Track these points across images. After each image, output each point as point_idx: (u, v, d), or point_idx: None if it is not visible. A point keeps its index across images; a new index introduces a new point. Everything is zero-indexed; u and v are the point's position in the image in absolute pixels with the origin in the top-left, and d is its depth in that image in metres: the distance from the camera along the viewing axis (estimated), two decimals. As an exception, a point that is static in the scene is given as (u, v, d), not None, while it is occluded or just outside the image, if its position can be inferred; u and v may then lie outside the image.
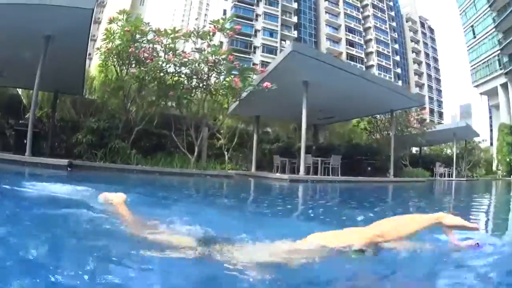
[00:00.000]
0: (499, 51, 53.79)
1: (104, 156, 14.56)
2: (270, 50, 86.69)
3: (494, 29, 54.51)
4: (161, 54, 16.00)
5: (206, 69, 15.94)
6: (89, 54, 23.27)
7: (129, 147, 15.59)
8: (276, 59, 17.83)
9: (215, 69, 16.02)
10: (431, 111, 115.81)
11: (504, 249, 3.26)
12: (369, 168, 26.65)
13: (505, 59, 52.55)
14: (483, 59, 58.39)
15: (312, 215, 6.43)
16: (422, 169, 33.34)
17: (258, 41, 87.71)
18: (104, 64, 17.39)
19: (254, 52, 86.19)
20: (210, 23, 16.10)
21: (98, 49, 17.25)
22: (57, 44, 13.14)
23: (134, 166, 14.34)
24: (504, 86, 53.56)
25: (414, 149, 46.50)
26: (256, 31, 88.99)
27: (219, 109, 18.89)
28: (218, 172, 16.73)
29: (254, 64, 76.86)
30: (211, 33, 15.91)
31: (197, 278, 2.27)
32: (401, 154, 33.41)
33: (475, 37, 60.28)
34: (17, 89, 22.18)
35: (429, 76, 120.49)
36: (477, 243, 2.67)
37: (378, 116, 29.35)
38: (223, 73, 16.40)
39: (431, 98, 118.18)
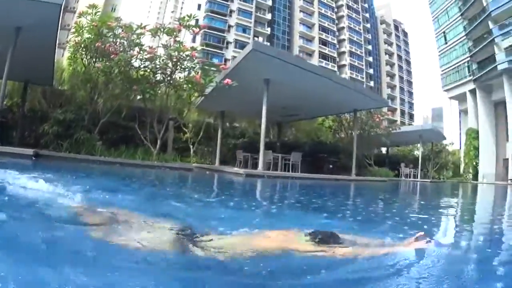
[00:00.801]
0: (468, 58, 55.09)
1: (69, 146, 14.98)
2: (242, 45, 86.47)
3: (464, 37, 55.72)
4: (127, 49, 16.39)
5: (170, 65, 16.51)
6: (63, 44, 23.57)
7: (96, 138, 16.09)
8: (237, 57, 18.35)
9: (179, 65, 16.59)
10: (402, 113, 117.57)
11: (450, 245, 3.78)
12: (330, 166, 27.19)
13: (474, 66, 53.75)
14: (453, 65, 59.61)
15: (230, 206, 6.59)
16: (387, 169, 34.23)
17: (231, 36, 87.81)
18: (73, 57, 17.83)
19: (227, 48, 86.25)
20: (175, 21, 16.63)
21: (67, 42, 17.72)
22: (27, 35, 13.47)
23: (97, 157, 14.68)
24: (473, 92, 54.89)
25: (384, 150, 47.30)
26: (229, 26, 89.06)
27: (184, 103, 19.40)
28: (179, 165, 17.18)
29: (226, 59, 77.37)
30: (176, 30, 16.52)
31: (181, 268, 2.65)
32: (365, 154, 34.34)
33: (446, 43, 61.24)
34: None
35: (401, 78, 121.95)
36: (428, 240, 3.12)
37: (345, 115, 30.00)
38: (187, 69, 17.01)
39: (402, 100, 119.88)
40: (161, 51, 16.82)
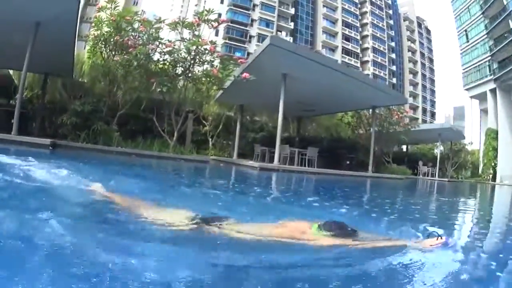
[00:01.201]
0: (489, 57, 54.30)
1: (87, 137, 15.30)
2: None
3: (486, 36, 54.86)
4: (146, 42, 16.68)
5: (189, 58, 16.76)
6: (85, 37, 23.96)
7: (114, 129, 16.40)
8: (256, 51, 18.54)
9: (198, 59, 16.83)
10: (424, 111, 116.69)
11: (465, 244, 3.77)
12: (348, 162, 27.28)
13: (495, 65, 52.86)
14: (474, 64, 58.63)
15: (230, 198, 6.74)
16: (406, 167, 34.04)
17: (254, 30, 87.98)
18: (93, 50, 18.17)
19: (250, 42, 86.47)
20: (194, 15, 16.89)
21: (87, 36, 18.08)
22: (47, 29, 13.79)
23: (114, 148, 14.98)
24: (493, 91, 53.93)
25: (404, 147, 47.16)
26: (252, 20, 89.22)
27: (203, 96, 19.65)
28: (194, 157, 17.51)
29: (249, 53, 77.38)
30: (195, 24, 16.76)
31: (201, 247, 2.85)
32: (384, 151, 34.24)
33: (468, 41, 60.26)
34: (9, 70, 22.68)
35: (423, 75, 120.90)
36: (440, 237, 3.06)
37: (364, 111, 29.88)
38: (205, 63, 17.26)
39: (424, 98, 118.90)
40: (180, 45, 17.07)
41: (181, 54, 16.77)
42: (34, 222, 2.84)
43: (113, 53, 17.11)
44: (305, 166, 21.69)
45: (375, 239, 3.28)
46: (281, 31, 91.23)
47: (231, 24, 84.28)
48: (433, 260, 2.95)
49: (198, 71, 17.67)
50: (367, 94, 21.74)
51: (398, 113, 32.03)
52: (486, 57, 55.26)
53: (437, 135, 36.52)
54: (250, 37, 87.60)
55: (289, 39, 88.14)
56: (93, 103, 16.57)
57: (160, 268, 2.34)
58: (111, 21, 16.40)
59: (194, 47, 16.47)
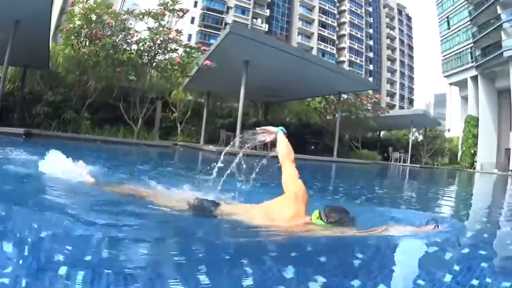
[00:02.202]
0: (472, 44, 54.79)
1: (57, 125, 16.30)
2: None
3: (469, 22, 55.24)
4: (115, 34, 17.71)
5: (154, 47, 17.87)
6: (60, 30, 24.88)
7: (86, 117, 17.43)
8: (217, 39, 19.53)
9: (164, 48, 17.94)
10: (402, 97, 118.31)
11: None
12: (312, 147, 28.42)
13: (478, 52, 53.49)
14: (455, 51, 59.41)
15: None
16: (378, 153, 35.57)
17: (229, 18, 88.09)
18: (66, 42, 19.15)
19: (225, 29, 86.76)
20: (158, 5, 17.95)
21: (61, 29, 19.05)
22: (25, 26, 14.89)
23: (81, 135, 15.83)
24: (474, 78, 54.67)
25: (382, 133, 48.65)
26: (228, 8, 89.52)
27: (172, 83, 20.71)
28: (157, 142, 18.39)
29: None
30: (160, 14, 17.84)
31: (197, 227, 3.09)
32: (353, 136, 35.42)
33: (449, 28, 60.48)
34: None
35: (402, 63, 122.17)
36: (437, 225, 3.13)
37: (331, 97, 30.44)
38: (171, 51, 18.34)
39: (402, 84, 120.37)
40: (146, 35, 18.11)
41: (146, 44, 17.74)
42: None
43: (83, 44, 18.09)
44: (268, 150, 22.16)
45: (373, 228, 3.21)
46: (256, 18, 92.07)
47: (207, 12, 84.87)
48: (432, 247, 3.06)
49: (164, 59, 18.65)
50: (333, 80, 22.81)
51: (368, 98, 33.11)
52: (468, 44, 55.72)
53: (410, 121, 37.06)
54: (226, 24, 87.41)
55: (265, 26, 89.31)
56: (64, 93, 17.52)
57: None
58: (82, 15, 17.38)
59: (158, 37, 17.43)
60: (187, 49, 18.46)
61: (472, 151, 52.69)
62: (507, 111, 48.58)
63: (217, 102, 30.71)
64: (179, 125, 26.96)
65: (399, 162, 37.06)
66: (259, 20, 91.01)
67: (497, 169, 45.77)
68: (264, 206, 3.31)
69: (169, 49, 18.35)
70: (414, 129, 44.28)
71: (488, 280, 2.37)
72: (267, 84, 23.44)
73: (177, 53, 18.46)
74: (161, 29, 17.74)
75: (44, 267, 1.91)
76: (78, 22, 17.86)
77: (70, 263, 1.92)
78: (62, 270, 1.80)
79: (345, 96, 30.24)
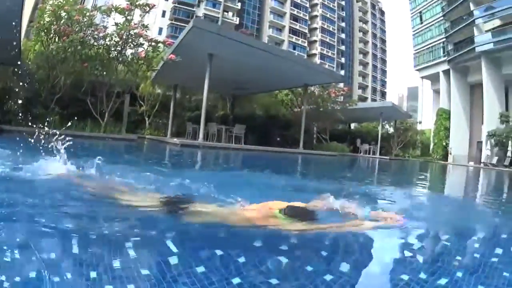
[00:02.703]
0: (444, 39, 56.35)
1: (28, 121, 16.71)
2: (211, 20, 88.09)
3: (442, 18, 56.80)
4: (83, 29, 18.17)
5: (120, 42, 18.53)
6: (31, 26, 25.21)
7: (55, 112, 17.83)
8: (181, 34, 20.15)
9: (130, 42, 18.59)
10: (374, 90, 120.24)
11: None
12: (278, 139, 29.05)
13: (450, 47, 55.09)
14: (427, 45, 61.01)
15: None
16: (345, 145, 36.15)
17: (200, 11, 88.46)
18: (36, 39, 19.62)
19: (198, 6, 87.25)
20: (126, 1, 18.56)
21: (32, 26, 19.50)
22: None
23: (49, 130, 16.30)
24: (446, 72, 56.02)
25: (353, 125, 49.65)
26: (199, 1, 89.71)
27: (140, 77, 21.42)
28: (122, 136, 18.99)
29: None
30: (127, 10, 18.46)
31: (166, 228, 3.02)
32: (320, 128, 36.28)
33: (422, 23, 62.37)
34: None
35: (374, 56, 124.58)
36: (401, 218, 3.25)
37: (299, 89, 30.98)
38: (137, 46, 18.98)
39: (374, 77, 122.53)
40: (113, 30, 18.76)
41: (112, 39, 18.44)
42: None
43: (52, 41, 18.57)
44: (232, 143, 23.19)
45: (338, 222, 3.36)
46: (228, 11, 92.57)
47: (178, 5, 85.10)
48: (397, 238, 3.24)
49: (131, 53, 19.31)
50: (299, 73, 23.43)
51: (336, 91, 33.81)
52: (440, 39, 57.34)
53: (379, 114, 37.38)
54: (197, 17, 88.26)
55: (236, 19, 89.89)
56: (33, 89, 18.04)
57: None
58: (51, 12, 17.90)
59: (123, 32, 18.13)
60: (153, 44, 19.07)
61: (444, 144, 54.13)
62: (479, 105, 49.51)
63: (186, 95, 31.30)
64: (147, 119, 27.42)
65: (368, 154, 37.93)
66: (230, 13, 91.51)
67: (472, 162, 47.06)
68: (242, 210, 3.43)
69: (135, 43, 18.95)
70: (385, 122, 45.18)
71: (459, 274, 2.50)
72: (233, 77, 24.21)
73: (143, 48, 19.08)
74: (124, 24, 18.36)
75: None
76: (47, 19, 18.28)
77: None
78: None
79: (312, 88, 31.02)
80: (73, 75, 19.00)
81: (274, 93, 34.04)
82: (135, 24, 18.75)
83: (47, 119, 16.85)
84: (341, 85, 37.36)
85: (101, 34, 18.50)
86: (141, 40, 18.91)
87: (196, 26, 17.29)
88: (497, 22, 46.49)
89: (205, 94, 20.14)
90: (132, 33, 18.44)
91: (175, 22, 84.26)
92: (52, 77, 18.83)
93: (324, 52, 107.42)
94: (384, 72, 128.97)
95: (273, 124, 31.11)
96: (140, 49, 19.19)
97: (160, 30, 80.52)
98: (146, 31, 19.25)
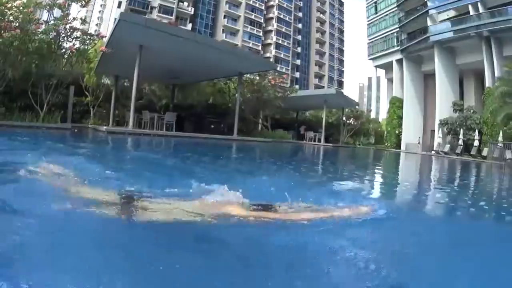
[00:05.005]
0: (398, 29, 58.24)
1: None
2: (166, 10, 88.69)
3: (396, 8, 58.81)
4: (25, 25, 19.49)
5: (59, 37, 20.43)
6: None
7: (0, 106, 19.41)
8: (111, 27, 21.37)
9: (67, 36, 20.52)
10: (331, 79, 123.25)
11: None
12: (212, 126, 30.49)
13: (403, 37, 56.99)
14: (381, 34, 63.07)
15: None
16: (287, 132, 37.77)
17: (156, 1, 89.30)
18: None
19: (151, 12, 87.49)
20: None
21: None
22: None
23: None
24: (399, 62, 57.56)
25: (308, 113, 51.65)
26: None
27: (71, 69, 22.20)
28: (57, 125, 20.00)
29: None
30: (64, 4, 20.30)
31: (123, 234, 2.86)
32: (262, 116, 38.35)
33: (376, 13, 64.62)
34: None
35: (332, 45, 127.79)
36: (370, 209, 3.36)
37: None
38: (75, 39, 20.85)
39: (331, 67, 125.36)
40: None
41: (49, 34, 20.24)
42: None
43: None
44: (165, 130, 24.84)
45: (303, 211, 3.42)
46: (183, 2, 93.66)
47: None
48: (366, 228, 3.32)
49: (69, 47, 20.97)
50: (233, 62, 25.01)
51: (276, 79, 35.39)
52: (394, 29, 59.34)
53: (323, 101, 38.10)
54: (152, 8, 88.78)
55: (191, 9, 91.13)
56: None
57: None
58: None
59: (61, 26, 19.94)
60: (84, 37, 20.81)
61: (397, 132, 55.53)
62: (432, 94, 50.49)
63: (130, 85, 32.88)
64: (92, 109, 28.83)
65: (314, 141, 38.84)
66: (186, 3, 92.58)
67: (425, 150, 48.36)
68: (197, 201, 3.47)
69: (72, 37, 20.57)
70: (334, 110, 47.86)
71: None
72: (167, 67, 25.85)
73: (78, 41, 20.77)
74: (59, 19, 19.99)
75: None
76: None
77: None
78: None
79: (251, 76, 33.02)
80: (20, 70, 20.12)
81: (213, 81, 35.36)
82: (73, 18, 20.45)
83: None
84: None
85: (39, 30, 19.97)
86: (77, 33, 20.57)
87: (122, 20, 18.83)
88: (451, 13, 48.24)
89: (134, 84, 21.97)
90: (67, 28, 20.09)
91: (131, 13, 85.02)
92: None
93: (280, 42, 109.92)
94: (341, 61, 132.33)
95: (209, 112, 32.62)
96: (77, 43, 20.83)
97: (116, 20, 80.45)
98: (85, 24, 21.04)
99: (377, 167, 17.39)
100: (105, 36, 22.51)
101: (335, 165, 16.69)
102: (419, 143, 49.84)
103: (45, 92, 20.28)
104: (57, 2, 20.38)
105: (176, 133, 24.36)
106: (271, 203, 3.50)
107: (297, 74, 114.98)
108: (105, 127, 21.54)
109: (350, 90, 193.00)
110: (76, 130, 20.60)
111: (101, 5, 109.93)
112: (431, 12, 50.49)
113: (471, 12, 44.17)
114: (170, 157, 11.95)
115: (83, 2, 21.22)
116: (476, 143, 38.32)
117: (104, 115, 29.76)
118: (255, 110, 35.97)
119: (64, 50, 21.04)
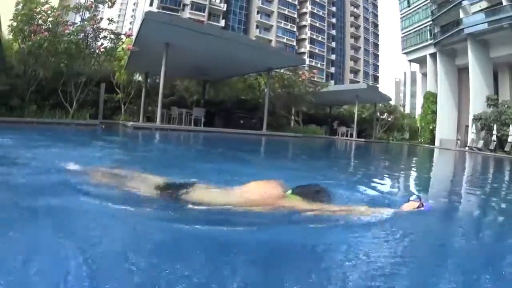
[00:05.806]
0: (431, 22, 56.77)
1: (5, 112, 18.38)
2: (198, 7, 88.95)
3: (429, 0, 57.42)
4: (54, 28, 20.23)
5: (87, 37, 21.08)
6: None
7: (30, 104, 19.88)
8: (137, 27, 21.92)
9: (95, 36, 21.16)
10: (366, 74, 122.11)
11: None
12: (241, 121, 30.82)
13: (436, 30, 55.50)
14: (414, 28, 61.71)
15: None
16: (325, 128, 38.42)
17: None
18: (15, 38, 21.38)
19: (183, 10, 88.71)
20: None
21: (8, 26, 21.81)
22: None
23: (23, 119, 17.86)
24: (433, 55, 56.16)
25: (342, 108, 51.17)
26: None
27: (100, 68, 23.02)
28: (86, 121, 20.64)
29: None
30: (92, 6, 21.00)
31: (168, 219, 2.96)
32: (295, 112, 38.36)
33: (409, 6, 63.37)
34: None
35: (366, 40, 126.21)
36: (422, 204, 3.29)
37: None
38: (103, 39, 21.49)
39: (366, 62, 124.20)
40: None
41: (77, 35, 20.77)
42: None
43: (27, 39, 20.23)
44: (194, 126, 25.04)
45: (351, 206, 3.38)
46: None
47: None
48: (417, 225, 3.26)
49: (97, 46, 21.70)
50: (262, 58, 25.06)
51: (306, 74, 35.74)
52: (427, 22, 57.90)
53: (355, 96, 37.71)
54: (184, 5, 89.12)
55: (223, 5, 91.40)
56: (10, 83, 20.04)
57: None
58: (22, 14, 19.79)
59: (88, 27, 20.66)
60: (111, 36, 21.42)
61: (431, 127, 54.08)
62: (466, 89, 48.57)
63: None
64: (123, 106, 29.48)
65: (347, 136, 38.65)
66: (218, 0, 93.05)
67: (459, 146, 46.52)
68: (240, 189, 3.45)
69: (101, 37, 21.27)
70: (368, 105, 47.27)
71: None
72: (195, 64, 26.24)
73: (107, 40, 21.44)
74: (87, 21, 20.79)
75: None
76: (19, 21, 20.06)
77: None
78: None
79: (282, 71, 32.83)
80: (50, 69, 21.01)
81: (243, 77, 35.38)
82: (100, 18, 21.18)
83: (23, 109, 19.09)
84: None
85: (67, 31, 20.49)
86: (105, 33, 21.23)
87: (147, 19, 19.36)
88: (483, 4, 46.47)
89: (161, 81, 22.43)
90: (95, 28, 20.76)
91: (162, 11, 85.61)
92: (29, 72, 20.71)
93: (314, 37, 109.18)
94: (376, 56, 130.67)
95: (239, 107, 32.93)
96: (105, 42, 21.49)
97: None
98: (113, 24, 21.75)
99: (403, 165, 16.62)
100: (132, 35, 23.22)
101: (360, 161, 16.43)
102: (458, 139, 48.17)
103: (75, 90, 20.91)
104: (84, 4, 21.11)
105: (204, 128, 24.57)
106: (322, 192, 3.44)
107: (332, 69, 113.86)
108: (131, 123, 21.99)
109: (386, 85, 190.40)
110: (103, 126, 21.20)
111: (134, 4, 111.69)
112: (463, 3, 48.97)
113: (504, 3, 42.62)
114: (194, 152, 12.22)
115: (110, 3, 21.77)
116: (510, 139, 37.15)
117: (135, 111, 30.38)
118: (286, 105, 35.85)
119: (92, 50, 21.62)
